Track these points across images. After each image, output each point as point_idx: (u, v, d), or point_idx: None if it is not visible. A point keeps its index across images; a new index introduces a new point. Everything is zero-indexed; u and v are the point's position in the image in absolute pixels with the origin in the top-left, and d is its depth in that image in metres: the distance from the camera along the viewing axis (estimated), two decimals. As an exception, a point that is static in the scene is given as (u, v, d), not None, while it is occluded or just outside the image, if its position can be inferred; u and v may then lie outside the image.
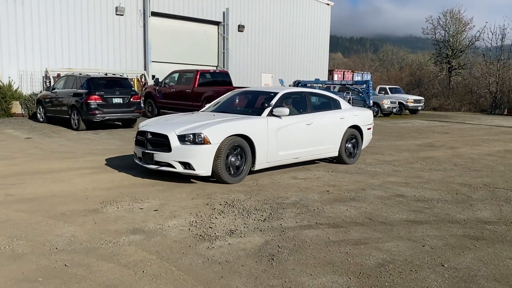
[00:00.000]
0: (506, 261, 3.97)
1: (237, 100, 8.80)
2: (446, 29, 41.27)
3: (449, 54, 40.55)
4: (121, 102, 13.98)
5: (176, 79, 17.34)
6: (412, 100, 26.57)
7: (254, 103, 8.27)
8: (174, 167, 6.52)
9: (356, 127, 8.90)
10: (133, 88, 15.09)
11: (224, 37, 25.94)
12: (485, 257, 4.05)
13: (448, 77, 40.51)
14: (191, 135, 6.44)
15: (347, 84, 24.66)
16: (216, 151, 6.47)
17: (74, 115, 13.89)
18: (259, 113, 7.38)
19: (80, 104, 13.54)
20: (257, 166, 7.12)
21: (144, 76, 22.12)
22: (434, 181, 7.38)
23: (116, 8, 21.61)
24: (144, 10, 22.43)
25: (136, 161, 7.27)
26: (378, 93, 27.26)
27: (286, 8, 29.00)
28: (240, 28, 26.53)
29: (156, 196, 5.93)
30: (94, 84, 13.77)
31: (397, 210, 5.53)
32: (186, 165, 6.45)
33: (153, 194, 6.06)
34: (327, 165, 8.62)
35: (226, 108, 8.27)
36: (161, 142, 6.64)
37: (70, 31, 20.50)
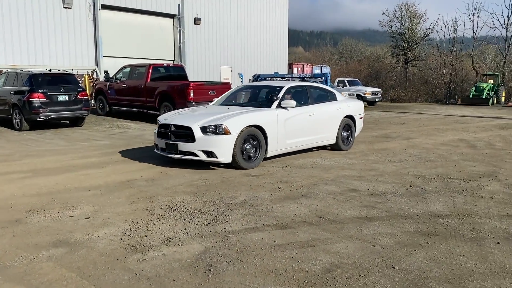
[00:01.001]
0: (459, 258, 3.76)
1: (244, 94, 9.65)
2: (402, 21, 42.12)
3: (405, 46, 41.38)
4: (67, 99, 13.16)
5: (127, 74, 16.56)
6: (370, 92, 26.82)
7: (262, 96, 9.16)
8: (197, 156, 7.16)
9: (350, 117, 9.67)
10: (80, 84, 14.25)
11: (180, 30, 25.23)
12: (437, 255, 3.82)
13: (404, 69, 41.37)
14: (212, 127, 7.13)
15: (306, 78, 24.57)
16: (235, 140, 7.14)
17: (16, 115, 12.95)
18: (268, 105, 8.16)
19: (22, 103, 12.62)
20: (269, 153, 7.81)
21: (96, 71, 21.15)
22: (388, 174, 7.21)
23: (63, 0, 20.48)
24: (93, 2, 21.39)
25: (157, 152, 7.84)
26: (337, 85, 27.36)
27: (243, 1, 28.54)
28: (197, 21, 25.86)
29: (91, 202, 5.41)
30: (36, 81, 12.87)
31: (349, 206, 5.26)
32: (209, 153, 7.12)
33: (88, 199, 5.53)
34: (282, 160, 8.31)
35: (236, 102, 9.23)
36: (185, 134, 7.27)
37: (13, 25, 19.22)
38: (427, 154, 9.33)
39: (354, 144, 10.22)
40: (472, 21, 36.54)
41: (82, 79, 20.33)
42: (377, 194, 5.84)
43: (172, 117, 7.90)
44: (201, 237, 4.22)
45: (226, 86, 15.39)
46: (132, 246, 3.99)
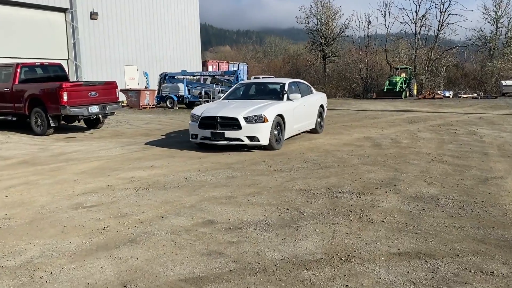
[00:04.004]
0: None
1: (250, 90, 10.98)
2: (318, 17, 41.93)
3: (322, 42, 41.23)
4: None
5: (-7, 76, 13.86)
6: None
7: (269, 91, 10.61)
8: (242, 141, 8.55)
9: (322, 106, 11.74)
10: None
11: (73, 26, 22.48)
12: None
13: (323, 65, 41.23)
14: (254, 116, 8.54)
15: (216, 75, 23.03)
16: (271, 127, 8.63)
17: None
18: (280, 98, 9.78)
19: None
20: (285, 136, 9.33)
21: (-35, 74, 17.91)
22: (268, 190, 5.75)
23: None
24: (-41, -7, 18.19)
25: (198, 141, 9.01)
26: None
27: (147, -6, 26.29)
28: (93, 15, 23.25)
29: None
30: None
31: (186, 255, 3.65)
32: (253, 138, 8.53)
33: None
34: (139, 178, 6.55)
35: (247, 96, 10.57)
36: (231, 123, 8.55)
37: None
38: (325, 158, 8.06)
39: (247, 150, 8.78)
40: (384, 16, 37.18)
41: None
42: (237, 227, 4.29)
43: (212, 110, 8.99)
44: None
45: (111, 86, 13.32)
46: None
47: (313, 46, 42.46)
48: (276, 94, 10.15)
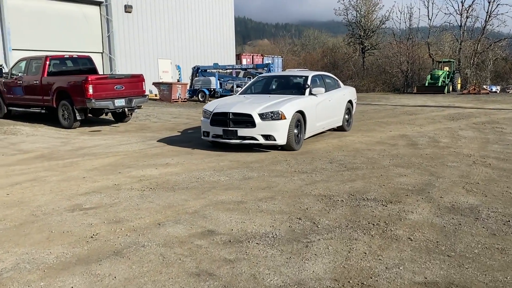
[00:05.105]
0: None
1: (271, 83, 10.17)
2: (358, 9, 40.55)
3: (361, 35, 39.87)
4: None
5: (24, 68, 13.95)
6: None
7: (291, 85, 9.75)
8: (257, 140, 7.75)
9: (350, 101, 10.68)
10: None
11: (107, 19, 22.56)
12: None
13: (362, 58, 39.88)
14: (270, 113, 7.70)
15: (248, 68, 22.54)
16: (289, 124, 7.77)
17: None
18: (301, 92, 8.89)
19: None
20: (306, 135, 8.47)
21: (3, 67, 18.31)
22: (283, 194, 5.18)
23: (-42, -15, 17.57)
24: (-3, -12, 18.54)
25: (208, 139, 8.36)
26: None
27: (182, -14, 26.08)
28: (127, 8, 23.24)
29: None
30: None
31: (168, 278, 3.14)
32: (268, 137, 7.71)
33: None
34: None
35: (267, 90, 9.74)
36: (245, 120, 7.77)
37: None
38: (353, 158, 7.39)
39: (268, 148, 8.24)
40: (427, 7, 35.37)
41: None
42: (238, 241, 3.76)
43: (225, 106, 8.22)
44: None
45: (137, 79, 13.08)
46: None
47: (352, 39, 41.16)
48: (298, 88, 9.29)
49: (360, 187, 5.51)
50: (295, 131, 7.97)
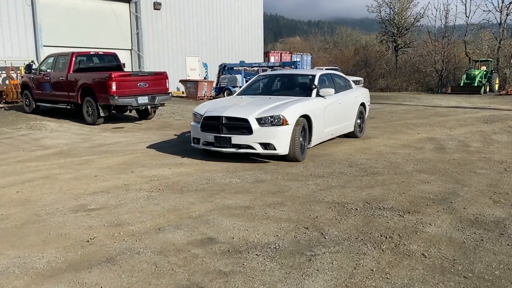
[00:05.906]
0: None
1: (273, 83, 9.11)
2: (391, 6, 39.48)
3: (394, 33, 38.82)
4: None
5: (52, 64, 14.19)
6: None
7: (296, 85, 8.75)
8: (254, 149, 6.71)
9: (363, 104, 9.54)
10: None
11: (136, 16, 22.77)
12: None
13: (394, 56, 38.84)
14: (269, 117, 6.68)
15: (275, 66, 22.25)
16: (292, 131, 6.76)
17: None
18: (308, 94, 7.84)
19: None
20: (312, 143, 7.45)
21: (34, 63, 18.75)
22: (294, 200, 4.92)
23: (-6, -17, 18.09)
24: (31, -14, 18.98)
25: (198, 146, 7.33)
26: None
27: (211, -17, 26.04)
28: (156, 5, 23.40)
29: None
30: None
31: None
32: (267, 145, 6.68)
33: None
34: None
35: (269, 91, 8.66)
36: (240, 126, 6.74)
37: None
38: (375, 162, 7.04)
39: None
40: (465, 4, 34.03)
41: (18, 71, 18.02)
42: (238, 251, 3.54)
43: (218, 109, 7.20)
44: None
45: (161, 76, 13.08)
46: None
47: (385, 37, 40.14)
48: (303, 89, 8.28)
49: (378, 194, 5.19)
50: (300, 138, 6.98)
